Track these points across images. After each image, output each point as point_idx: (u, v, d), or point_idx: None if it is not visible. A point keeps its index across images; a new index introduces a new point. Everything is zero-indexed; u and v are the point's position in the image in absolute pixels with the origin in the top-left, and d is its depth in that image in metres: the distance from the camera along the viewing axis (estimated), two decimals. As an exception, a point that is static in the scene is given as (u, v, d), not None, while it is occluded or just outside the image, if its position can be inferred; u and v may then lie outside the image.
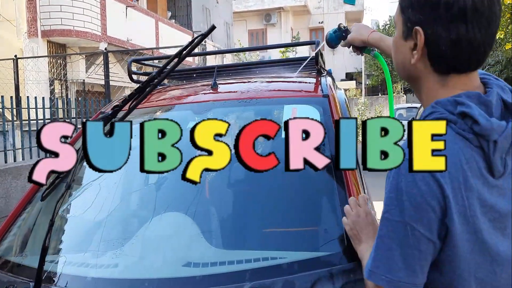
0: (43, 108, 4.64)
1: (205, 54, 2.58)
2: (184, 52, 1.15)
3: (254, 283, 1.27)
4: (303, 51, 21.82)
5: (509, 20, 6.21)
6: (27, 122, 4.52)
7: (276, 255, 1.40)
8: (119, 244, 1.50)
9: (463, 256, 0.85)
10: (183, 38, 15.35)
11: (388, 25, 26.62)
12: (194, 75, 2.59)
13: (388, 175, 0.90)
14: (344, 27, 1.66)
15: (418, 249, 0.85)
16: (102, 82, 9.86)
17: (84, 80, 11.32)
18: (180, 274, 1.37)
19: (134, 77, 2.44)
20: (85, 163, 1.31)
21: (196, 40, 1.12)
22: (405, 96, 23.17)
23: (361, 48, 1.64)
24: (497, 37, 6.67)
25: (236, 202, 1.66)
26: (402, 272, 0.85)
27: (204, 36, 1.11)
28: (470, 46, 0.86)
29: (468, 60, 0.88)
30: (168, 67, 1.18)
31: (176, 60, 1.15)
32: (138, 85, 2.53)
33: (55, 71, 10.83)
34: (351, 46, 1.65)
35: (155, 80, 1.17)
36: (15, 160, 4.19)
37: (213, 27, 1.13)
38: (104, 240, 1.53)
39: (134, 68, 2.49)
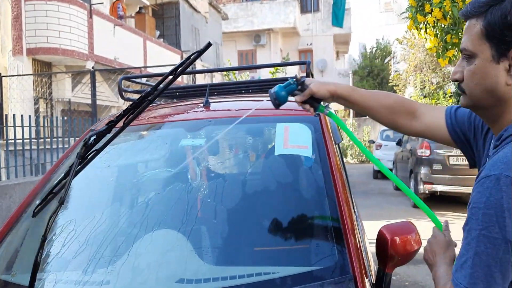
0: (29, 126, 4.60)
1: (199, 72, 2.59)
2: (180, 69, 1.17)
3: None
4: (293, 72, 22.07)
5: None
6: (10, 141, 4.48)
7: (269, 271, 1.41)
8: (111, 262, 1.49)
9: None
10: (172, 57, 15.41)
11: (375, 49, 27.05)
12: (187, 93, 2.61)
13: (478, 190, 0.93)
14: (301, 78, 1.39)
15: None
16: (88, 102, 9.82)
17: (70, 99, 11.23)
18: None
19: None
20: (76, 179, 1.31)
21: (192, 57, 1.14)
22: None
23: (316, 104, 1.37)
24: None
25: (228, 220, 1.66)
26: None
27: (200, 53, 1.13)
28: None
29: None
30: (163, 83, 1.20)
31: (171, 77, 1.17)
32: (127, 103, 2.55)
33: (40, 89, 10.75)
34: (302, 103, 1.37)
35: (150, 96, 1.19)
36: (0, 179, 4.13)
37: (209, 44, 1.15)
38: (95, 257, 1.51)
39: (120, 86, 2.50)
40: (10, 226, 1.75)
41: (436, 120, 1.30)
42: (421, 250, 1.60)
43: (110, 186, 1.90)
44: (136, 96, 2.76)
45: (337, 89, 1.34)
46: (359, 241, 1.47)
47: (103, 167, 1.87)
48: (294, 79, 1.37)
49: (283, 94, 1.36)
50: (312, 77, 2.47)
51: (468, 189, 8.14)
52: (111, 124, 1.20)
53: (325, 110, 1.38)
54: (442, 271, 1.08)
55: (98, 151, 1.24)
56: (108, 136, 1.21)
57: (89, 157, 1.24)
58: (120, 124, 1.24)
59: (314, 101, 1.37)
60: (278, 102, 1.37)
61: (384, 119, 1.37)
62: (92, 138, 1.20)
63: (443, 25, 5.89)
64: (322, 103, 1.39)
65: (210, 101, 2.17)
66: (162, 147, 2.07)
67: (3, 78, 8.75)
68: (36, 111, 10.29)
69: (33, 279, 1.26)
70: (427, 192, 8.49)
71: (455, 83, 1.11)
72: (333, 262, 1.40)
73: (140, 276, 1.45)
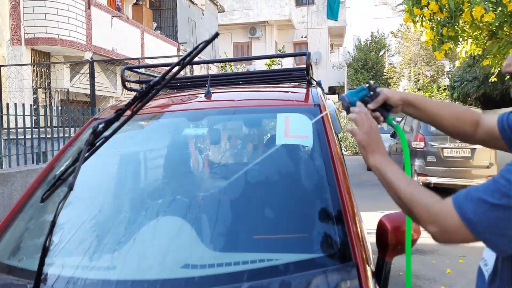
0: (30, 115, 4.61)
1: (202, 62, 2.62)
2: (188, 58, 1.19)
3: (252, 283, 1.30)
4: (288, 64, 22.07)
5: (486, 37, 6.42)
6: (9, 129, 4.48)
7: (271, 257, 1.44)
8: (117, 247, 1.52)
9: None
10: (169, 49, 15.38)
11: (370, 41, 27.05)
12: (189, 83, 2.63)
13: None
14: (374, 84, 1.39)
15: None
16: (87, 92, 9.81)
17: (68, 89, 11.22)
18: (179, 275, 1.39)
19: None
20: (84, 166, 1.34)
21: (200, 46, 1.17)
22: None
23: (385, 114, 1.39)
24: (475, 54, 6.88)
25: (233, 207, 1.70)
26: None
27: (208, 42, 1.16)
28: None
29: None
30: (171, 73, 1.23)
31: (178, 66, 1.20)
32: (125, 93, 2.57)
33: (39, 79, 10.72)
34: (373, 111, 1.36)
35: (159, 85, 1.21)
36: (1, 167, 4.14)
37: (216, 34, 1.18)
38: (102, 243, 1.54)
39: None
40: (16, 213, 1.77)
41: (493, 129, 1.30)
42: (420, 240, 1.64)
43: (116, 174, 1.92)
44: (137, 86, 2.78)
45: (408, 96, 1.39)
46: (360, 229, 1.51)
47: (108, 155, 1.90)
48: (367, 85, 1.39)
49: (355, 99, 1.38)
50: (312, 68, 2.49)
51: (462, 181, 8.15)
52: (119, 112, 1.22)
53: (393, 122, 1.41)
54: (396, 170, 1.16)
55: (107, 138, 1.27)
56: (117, 124, 1.24)
57: (97, 144, 1.27)
58: (128, 112, 1.26)
59: (384, 111, 1.39)
60: (348, 104, 1.39)
61: (451, 127, 1.39)
62: (100, 126, 1.23)
63: (439, 18, 5.90)
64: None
65: (211, 91, 2.20)
66: (165, 136, 2.10)
67: (2, 68, 8.72)
68: (35, 100, 10.28)
69: (42, 263, 1.28)
70: (421, 183, 8.53)
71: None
72: (336, 249, 1.43)
73: (146, 261, 1.48)
